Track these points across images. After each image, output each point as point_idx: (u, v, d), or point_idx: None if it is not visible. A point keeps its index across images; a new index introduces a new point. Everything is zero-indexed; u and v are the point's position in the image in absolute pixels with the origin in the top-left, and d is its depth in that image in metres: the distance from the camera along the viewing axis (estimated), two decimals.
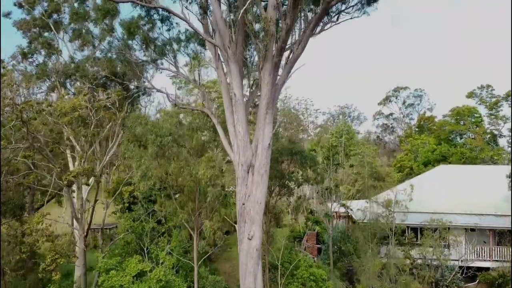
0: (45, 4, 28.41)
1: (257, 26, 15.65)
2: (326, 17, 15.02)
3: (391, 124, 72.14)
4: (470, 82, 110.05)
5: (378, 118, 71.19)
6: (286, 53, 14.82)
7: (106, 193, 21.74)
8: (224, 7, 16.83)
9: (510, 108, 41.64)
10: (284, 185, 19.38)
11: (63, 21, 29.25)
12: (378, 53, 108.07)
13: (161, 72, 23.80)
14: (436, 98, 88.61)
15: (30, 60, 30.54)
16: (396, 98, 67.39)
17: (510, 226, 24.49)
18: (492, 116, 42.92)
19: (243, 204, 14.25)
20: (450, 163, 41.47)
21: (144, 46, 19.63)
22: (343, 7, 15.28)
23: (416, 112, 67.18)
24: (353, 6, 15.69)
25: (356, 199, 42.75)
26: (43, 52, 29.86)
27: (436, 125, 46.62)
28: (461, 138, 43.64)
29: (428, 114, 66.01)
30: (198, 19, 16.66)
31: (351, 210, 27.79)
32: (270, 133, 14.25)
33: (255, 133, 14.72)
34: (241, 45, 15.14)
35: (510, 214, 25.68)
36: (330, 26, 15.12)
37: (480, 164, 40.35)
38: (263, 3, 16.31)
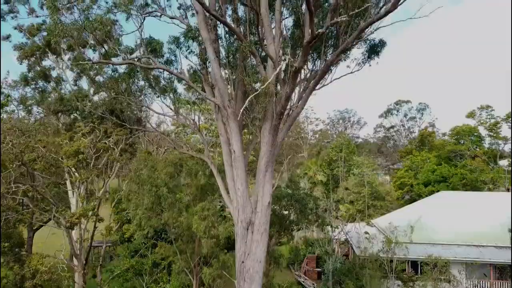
0: (44, 33, 28.39)
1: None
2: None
3: (392, 136, 72.11)
4: (473, 91, 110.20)
5: (379, 131, 71.21)
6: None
7: (106, 231, 21.71)
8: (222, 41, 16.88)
9: (510, 129, 41.56)
10: (285, 226, 19.32)
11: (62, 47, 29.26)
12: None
13: (159, 96, 23.57)
14: (438, 110, 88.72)
15: (32, 86, 30.60)
16: (397, 112, 67.40)
17: (511, 261, 24.38)
18: (493, 137, 42.84)
19: (243, 262, 14.22)
20: (450, 183, 41.41)
21: (146, 85, 19.73)
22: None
23: (418, 126, 67.25)
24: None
25: (356, 219, 42.73)
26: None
27: (437, 144, 46.56)
28: (461, 158, 43.53)
29: (429, 128, 66.13)
30: (198, 69, 16.68)
31: (352, 244, 27.69)
32: (270, 190, 14.21)
33: (254, 189, 14.69)
34: (241, 101, 15.13)
35: (510, 245, 25.59)
36: (331, 82, 15.09)
37: (480, 185, 40.28)
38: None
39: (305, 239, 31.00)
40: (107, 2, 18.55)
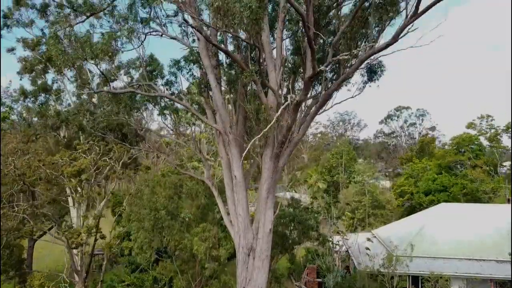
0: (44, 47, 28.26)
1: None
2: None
3: (392, 142, 72.15)
4: (474, 95, 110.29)
5: (379, 137, 71.19)
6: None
7: (107, 248, 21.74)
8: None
9: (510, 139, 41.66)
10: (286, 246, 19.34)
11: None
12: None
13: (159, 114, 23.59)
14: (439, 114, 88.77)
15: (32, 99, 30.59)
16: (397, 118, 67.44)
17: (511, 277, 24.38)
18: (494, 147, 42.87)
19: (244, 287, 14.26)
20: (451, 193, 41.44)
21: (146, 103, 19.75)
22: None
23: (418, 132, 67.30)
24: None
25: (357, 228, 42.71)
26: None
27: (437, 154, 46.62)
28: (461, 166, 43.59)
29: (430, 132, 66.29)
30: (200, 93, 16.69)
31: (353, 260, 27.68)
32: (271, 217, 14.21)
33: (255, 214, 14.71)
34: (242, 124, 15.19)
35: (511, 261, 25.57)
36: (331, 106, 15.12)
37: (481, 195, 40.29)
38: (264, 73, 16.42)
39: (306, 251, 30.99)
40: (109, 21, 18.76)
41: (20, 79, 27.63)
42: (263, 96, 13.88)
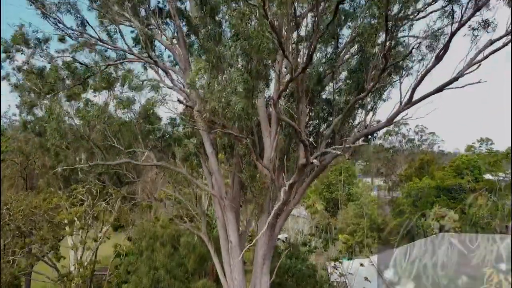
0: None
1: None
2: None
3: (392, 156, 71.95)
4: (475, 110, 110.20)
5: (378, 152, 70.92)
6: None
7: None
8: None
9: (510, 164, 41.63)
10: None
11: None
12: None
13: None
14: (439, 129, 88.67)
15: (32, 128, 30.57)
16: (396, 134, 67.30)
17: None
18: (493, 171, 42.85)
19: None
20: (449, 218, 41.44)
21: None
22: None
23: (418, 146, 67.21)
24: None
25: (356, 251, 42.81)
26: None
27: (436, 176, 46.66)
28: (460, 190, 43.52)
29: (429, 147, 66.34)
30: (195, 148, 16.68)
31: None
32: (267, 283, 14.21)
33: (251, 279, 14.69)
34: (237, 187, 15.19)
35: None
36: (325, 169, 15.13)
37: (479, 220, 40.29)
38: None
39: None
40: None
41: (20, 114, 27.49)
42: (259, 163, 13.90)
